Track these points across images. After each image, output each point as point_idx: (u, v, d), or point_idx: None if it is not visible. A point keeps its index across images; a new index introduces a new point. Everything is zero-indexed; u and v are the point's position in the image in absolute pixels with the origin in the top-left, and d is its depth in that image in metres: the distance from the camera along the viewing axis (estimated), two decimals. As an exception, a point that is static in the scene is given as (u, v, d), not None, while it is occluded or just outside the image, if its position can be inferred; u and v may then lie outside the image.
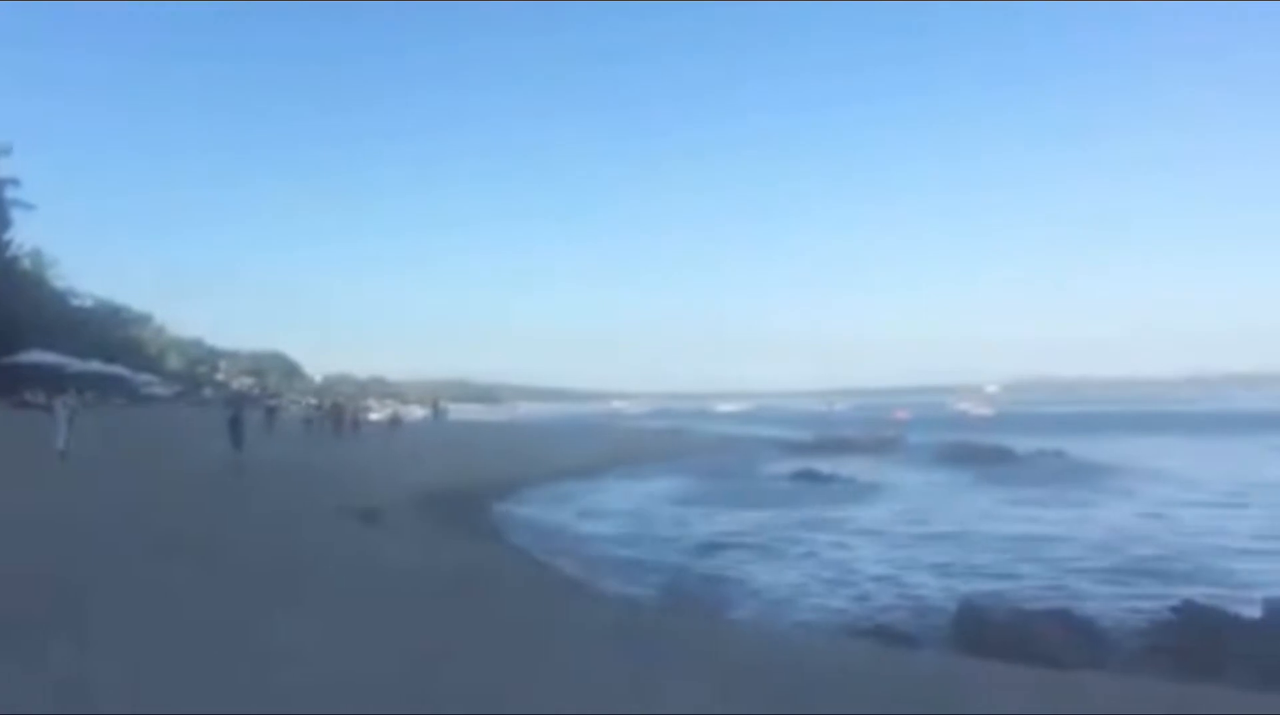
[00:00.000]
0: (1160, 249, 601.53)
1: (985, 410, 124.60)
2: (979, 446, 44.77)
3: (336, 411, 53.35)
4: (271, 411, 49.58)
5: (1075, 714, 7.48)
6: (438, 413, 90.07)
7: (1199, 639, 10.47)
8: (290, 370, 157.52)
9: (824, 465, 37.45)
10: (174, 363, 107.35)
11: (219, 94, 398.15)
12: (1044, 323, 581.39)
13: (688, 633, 10.49)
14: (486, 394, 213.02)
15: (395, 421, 66.59)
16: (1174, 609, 11.51)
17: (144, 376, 76.39)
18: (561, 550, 19.02)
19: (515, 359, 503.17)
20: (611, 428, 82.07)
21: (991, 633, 11.22)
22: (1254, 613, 10.89)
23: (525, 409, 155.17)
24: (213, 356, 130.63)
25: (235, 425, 26.79)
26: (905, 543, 20.22)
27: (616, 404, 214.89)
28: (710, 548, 19.65)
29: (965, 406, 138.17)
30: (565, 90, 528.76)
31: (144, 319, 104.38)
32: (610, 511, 25.91)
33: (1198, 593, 13.06)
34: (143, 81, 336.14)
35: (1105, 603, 13.73)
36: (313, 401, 74.38)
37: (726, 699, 6.90)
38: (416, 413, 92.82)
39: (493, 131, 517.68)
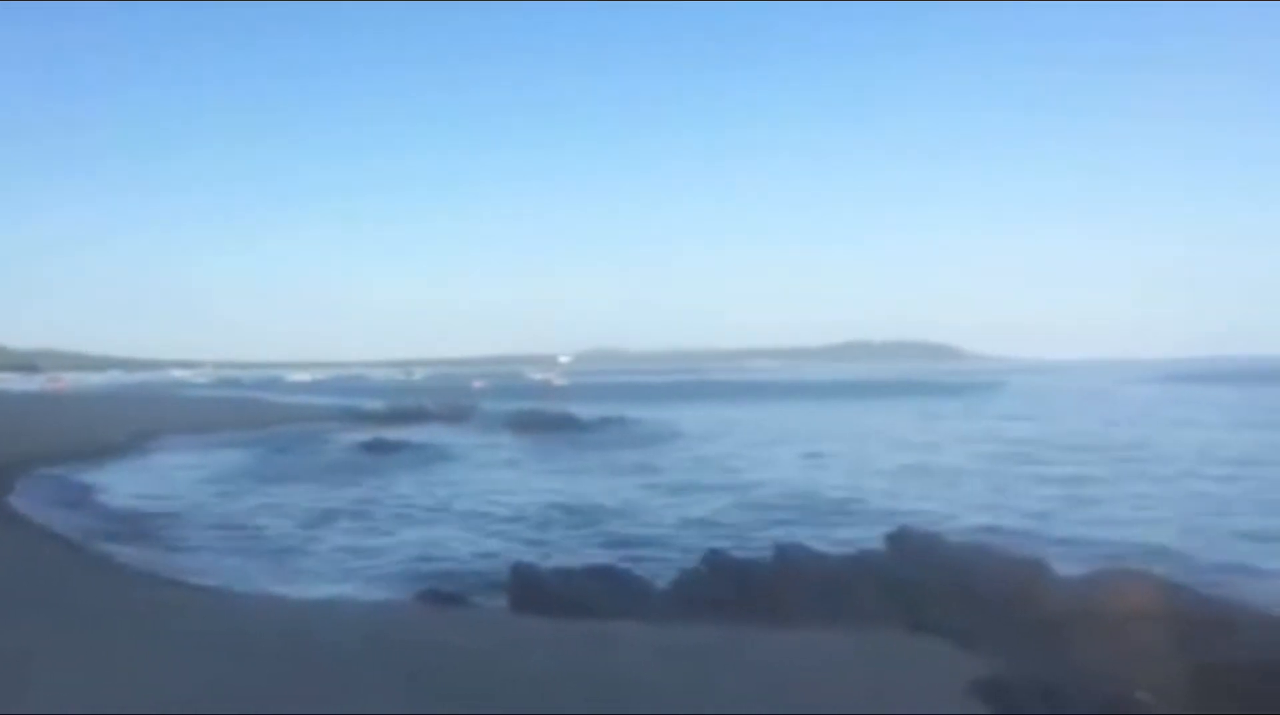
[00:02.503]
0: (725, 234, 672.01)
1: (562, 380, 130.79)
2: (547, 414, 46.66)
3: None
4: None
5: (610, 659, 7.78)
6: (-45, 382, 76.92)
7: (724, 584, 11.27)
8: None
9: (396, 434, 37.11)
10: None
11: None
12: (615, 298, 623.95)
13: (209, 608, 9.61)
14: (24, 361, 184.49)
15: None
16: (704, 559, 12.31)
17: None
18: (82, 530, 16.71)
19: (60, 324, 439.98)
20: (167, 398, 75.38)
21: (542, 591, 11.37)
22: (767, 555, 11.94)
23: (70, 378, 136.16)
24: None
25: None
26: (465, 509, 20.28)
27: (177, 373, 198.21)
28: (255, 521, 18.48)
29: (542, 376, 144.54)
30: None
31: None
32: (148, 490, 23.21)
33: (726, 544, 14.19)
34: None
35: (647, 558, 14.62)
36: None
37: (244, 671, 6.24)
38: (-69, 383, 79.72)
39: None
